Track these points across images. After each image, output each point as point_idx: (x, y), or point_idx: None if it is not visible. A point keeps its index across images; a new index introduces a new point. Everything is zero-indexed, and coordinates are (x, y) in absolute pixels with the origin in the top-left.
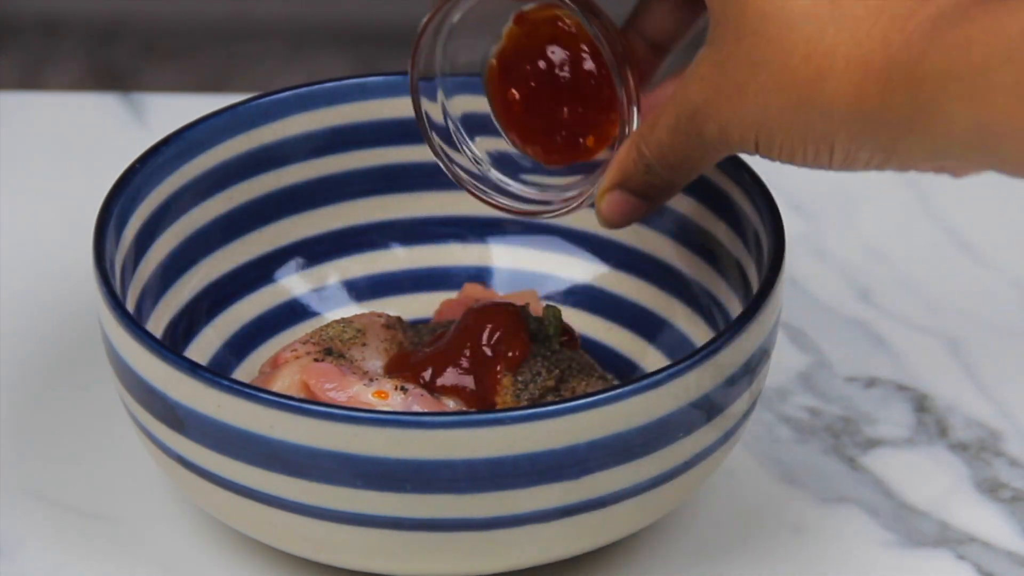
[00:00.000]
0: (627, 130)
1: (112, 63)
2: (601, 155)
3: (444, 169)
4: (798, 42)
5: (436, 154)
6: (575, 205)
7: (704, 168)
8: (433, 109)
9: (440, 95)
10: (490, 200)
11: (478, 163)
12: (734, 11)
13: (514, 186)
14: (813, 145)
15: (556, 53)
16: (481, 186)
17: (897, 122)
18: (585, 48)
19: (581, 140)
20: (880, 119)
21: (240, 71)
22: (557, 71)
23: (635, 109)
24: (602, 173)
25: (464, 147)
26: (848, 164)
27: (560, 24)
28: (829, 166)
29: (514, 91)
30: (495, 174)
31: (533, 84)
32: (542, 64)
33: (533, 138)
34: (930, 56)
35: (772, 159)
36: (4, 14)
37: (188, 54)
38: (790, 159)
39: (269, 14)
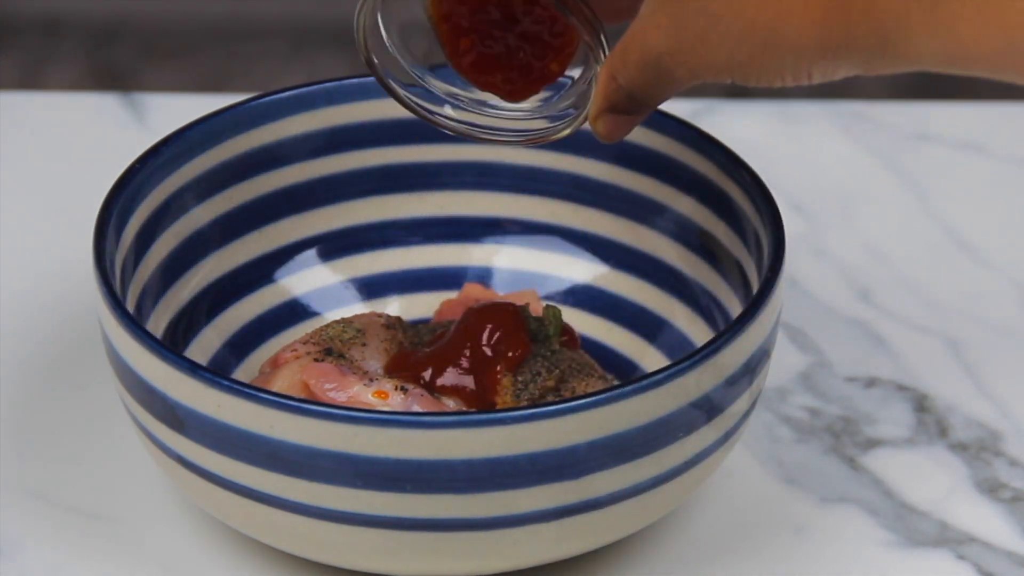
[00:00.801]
0: (598, 54)
1: (112, 63)
2: (571, 70)
3: (431, 122)
4: None
5: (417, 112)
6: (572, 127)
7: (685, 87)
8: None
9: (397, 54)
10: (495, 138)
11: (461, 106)
12: None
13: (512, 111)
14: (791, 75)
15: None
16: (477, 128)
17: (867, 50)
18: None
19: (544, 68)
20: (849, 49)
21: (240, 71)
22: (500, 10)
23: (598, 35)
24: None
25: (437, 91)
26: (829, 79)
27: None
28: (810, 83)
29: (464, 40)
30: (489, 109)
31: (480, 29)
32: (483, 7)
33: (495, 82)
34: None
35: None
36: (4, 14)
37: (188, 54)
38: (769, 86)
39: (269, 14)
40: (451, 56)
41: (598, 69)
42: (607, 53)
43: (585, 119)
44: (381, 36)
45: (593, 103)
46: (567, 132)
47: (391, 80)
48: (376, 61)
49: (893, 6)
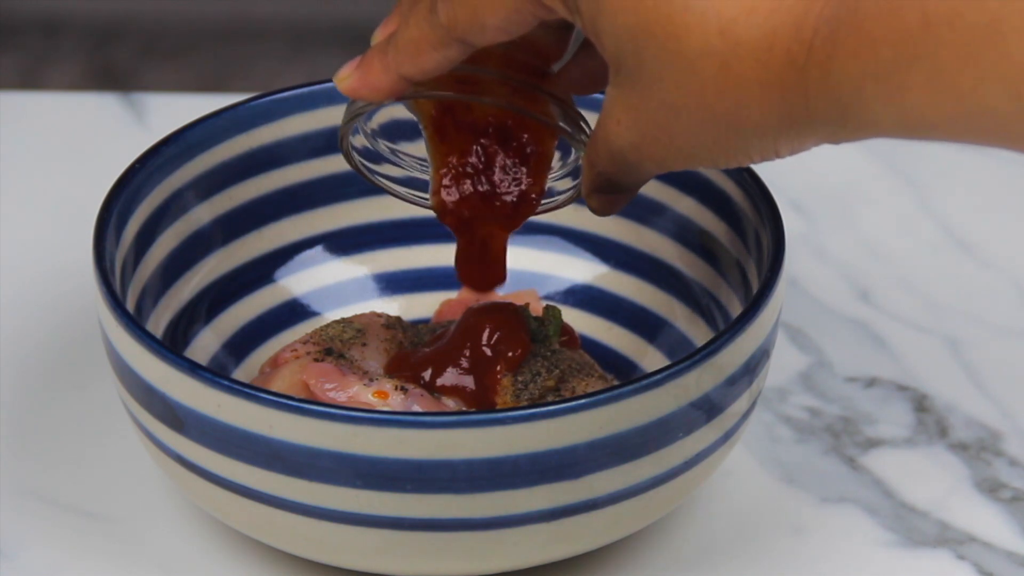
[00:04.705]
0: (579, 141)
1: (112, 63)
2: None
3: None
4: (706, 80)
5: (415, 203)
6: (567, 202)
7: (659, 174)
8: (391, 170)
9: (384, 149)
10: None
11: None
12: (631, 60)
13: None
14: (758, 154)
15: (478, 156)
16: None
17: (828, 123)
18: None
19: (532, 196)
20: (811, 124)
21: (240, 71)
22: (486, 171)
23: (577, 123)
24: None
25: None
26: (797, 152)
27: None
28: (779, 158)
29: (464, 212)
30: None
31: (474, 186)
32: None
33: (482, 224)
34: (838, 61)
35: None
36: (4, 14)
37: (188, 54)
38: (739, 166)
39: (269, 14)
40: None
41: (582, 153)
42: (588, 135)
43: (578, 195)
44: (367, 139)
45: (582, 186)
46: (563, 206)
47: (383, 179)
48: (361, 160)
49: (848, 80)
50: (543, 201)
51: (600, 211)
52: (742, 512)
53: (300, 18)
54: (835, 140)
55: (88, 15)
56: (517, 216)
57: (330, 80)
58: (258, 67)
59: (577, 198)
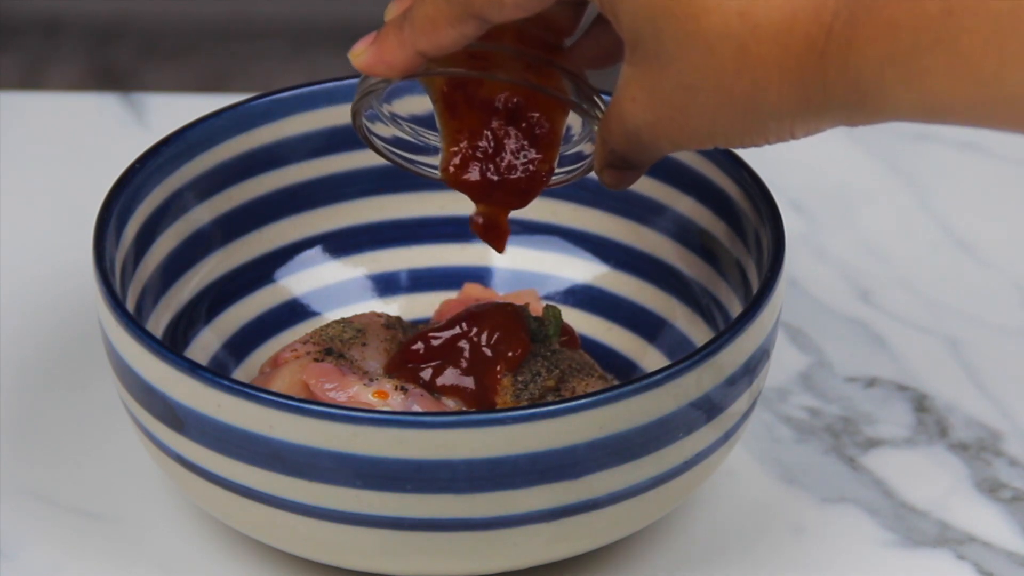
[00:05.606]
0: (592, 115)
1: (112, 63)
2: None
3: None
4: (725, 61)
5: (427, 176)
6: (578, 176)
7: (672, 152)
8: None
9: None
10: None
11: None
12: (649, 40)
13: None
14: (774, 136)
15: (492, 135)
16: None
17: (846, 106)
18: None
19: (542, 173)
20: (829, 107)
21: (240, 71)
22: (500, 148)
23: (591, 98)
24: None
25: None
26: (812, 134)
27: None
28: (794, 139)
29: (474, 188)
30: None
31: (484, 166)
32: (487, 144)
33: (494, 196)
34: (857, 44)
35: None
36: (4, 14)
37: (188, 54)
38: (753, 146)
39: (269, 14)
40: (451, 177)
41: (595, 128)
42: (603, 110)
43: (590, 168)
44: (381, 116)
45: (595, 158)
46: (572, 182)
47: (395, 156)
48: (378, 138)
49: (868, 64)
50: (558, 174)
51: (612, 186)
52: (742, 512)
53: (300, 18)
54: (852, 123)
55: (88, 15)
56: (528, 193)
57: (330, 80)
58: (258, 67)
59: (587, 174)
